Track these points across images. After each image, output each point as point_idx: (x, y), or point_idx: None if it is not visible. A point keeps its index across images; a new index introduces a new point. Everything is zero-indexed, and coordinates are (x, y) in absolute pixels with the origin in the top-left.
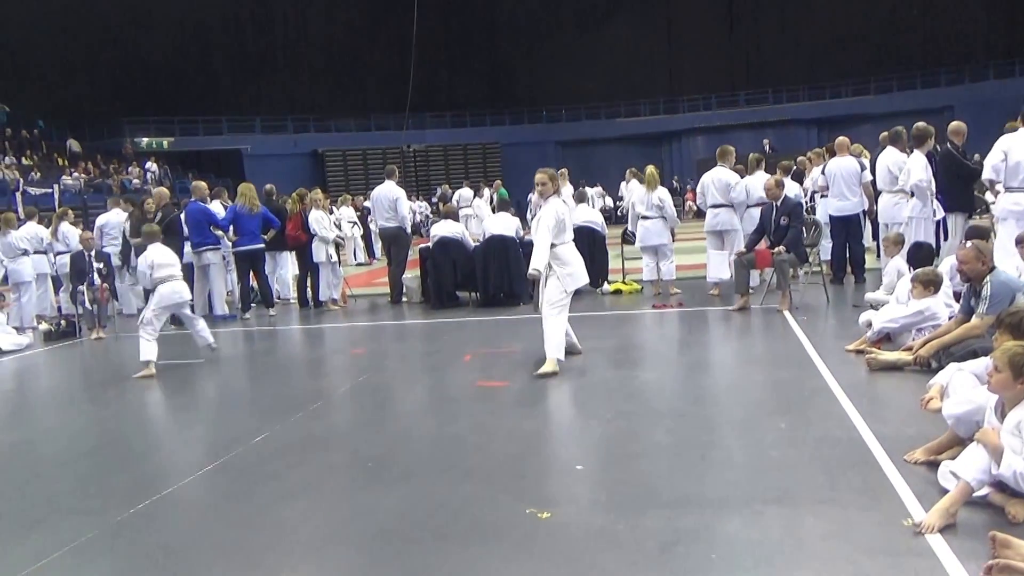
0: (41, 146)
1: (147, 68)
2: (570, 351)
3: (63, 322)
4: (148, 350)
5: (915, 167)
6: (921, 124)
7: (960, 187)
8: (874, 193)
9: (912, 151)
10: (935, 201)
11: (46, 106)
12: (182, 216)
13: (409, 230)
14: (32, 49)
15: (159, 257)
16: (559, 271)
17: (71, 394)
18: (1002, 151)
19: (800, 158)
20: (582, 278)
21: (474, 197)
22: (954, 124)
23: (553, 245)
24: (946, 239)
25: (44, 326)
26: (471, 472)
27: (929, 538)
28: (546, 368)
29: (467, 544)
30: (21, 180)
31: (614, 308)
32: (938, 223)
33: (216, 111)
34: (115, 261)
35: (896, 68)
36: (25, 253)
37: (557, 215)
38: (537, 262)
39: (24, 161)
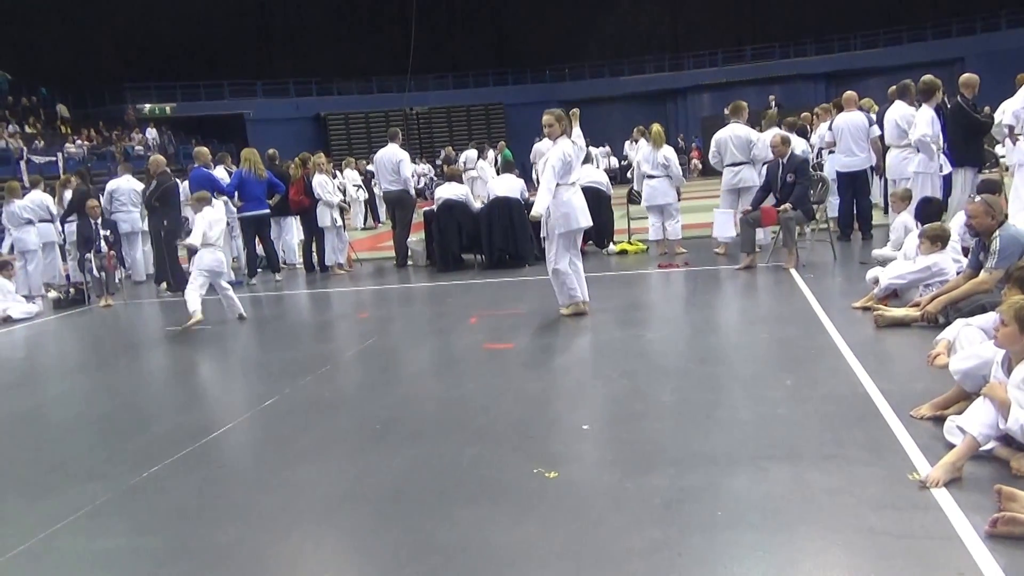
0: (40, 113)
1: (148, 34)
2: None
3: (72, 290)
4: (192, 301)
5: (921, 121)
6: (928, 77)
7: (969, 141)
8: (882, 148)
9: (920, 105)
10: (942, 156)
11: (48, 73)
12: (181, 184)
13: (413, 193)
14: (32, 15)
15: (210, 225)
16: (553, 212)
17: (81, 361)
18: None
19: (804, 114)
20: (576, 221)
21: (478, 159)
22: (964, 76)
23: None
24: (950, 194)
25: (53, 294)
26: (479, 433)
27: (934, 492)
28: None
29: (475, 503)
30: (25, 148)
31: (620, 268)
32: (945, 178)
33: (218, 76)
34: (123, 228)
35: (906, 19)
36: (30, 222)
37: (564, 156)
38: (539, 205)
39: (27, 129)
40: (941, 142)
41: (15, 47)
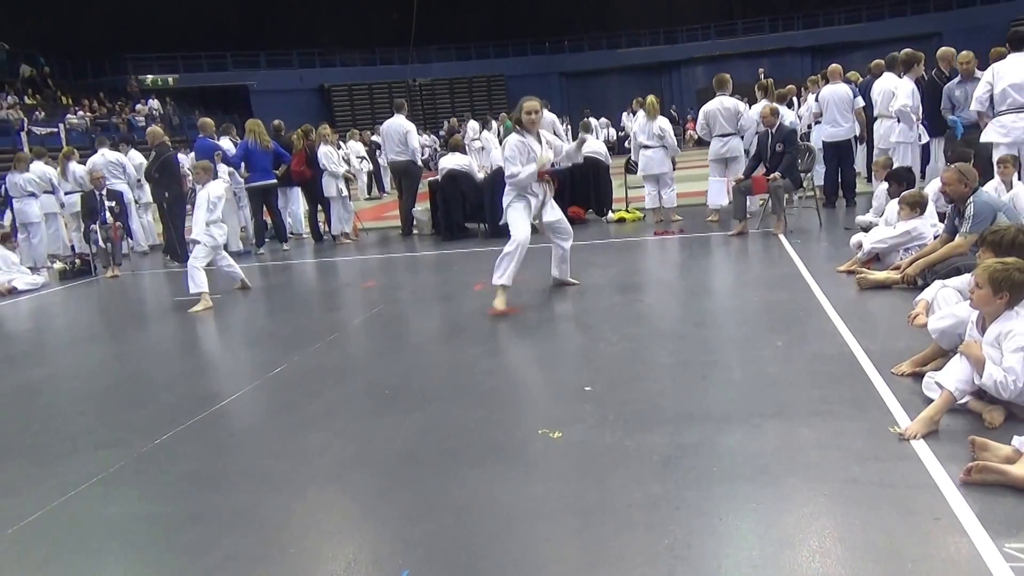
0: (42, 83)
1: (149, 4)
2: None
3: (78, 261)
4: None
5: (901, 93)
6: (909, 50)
7: (933, 111)
8: (867, 119)
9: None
10: (920, 126)
11: (46, 43)
12: (188, 155)
13: (419, 163)
14: None
15: (213, 206)
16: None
17: (90, 331)
18: (987, 83)
19: (789, 87)
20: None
21: (481, 130)
22: (941, 50)
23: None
24: (928, 163)
25: (59, 265)
26: (485, 396)
27: (914, 444)
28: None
29: (483, 464)
30: (25, 120)
31: (618, 235)
32: (924, 147)
33: (221, 47)
34: (128, 197)
35: None
36: (32, 195)
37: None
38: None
39: (28, 100)
40: (920, 113)
41: (12, 17)
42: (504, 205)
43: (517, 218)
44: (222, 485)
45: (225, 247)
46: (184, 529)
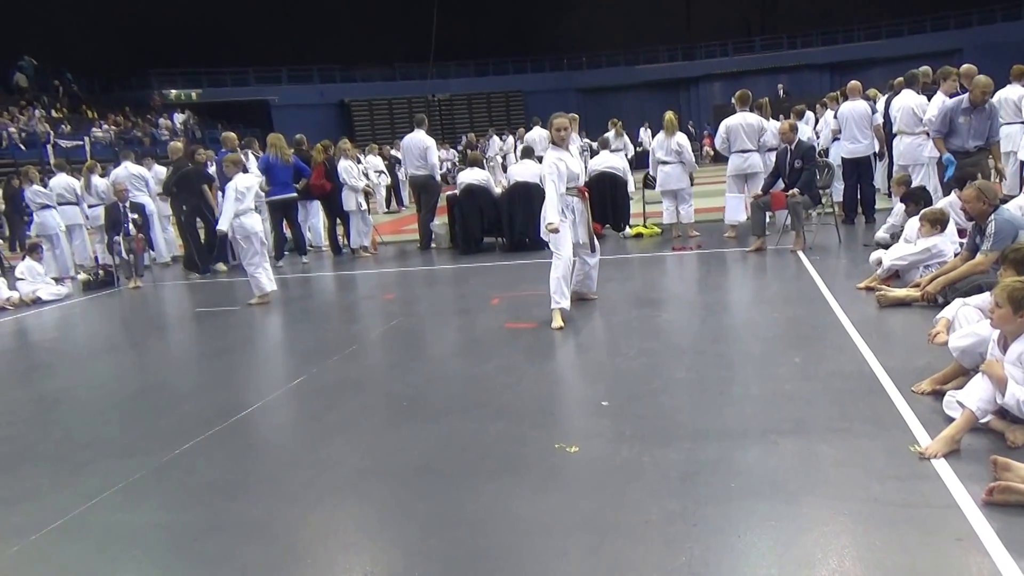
0: (72, 97)
1: (173, 19)
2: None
3: (101, 271)
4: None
5: (932, 107)
6: (946, 67)
7: None
8: (886, 136)
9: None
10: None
11: (73, 58)
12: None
13: (438, 178)
14: (58, 0)
15: (242, 195)
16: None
17: (112, 341)
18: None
19: (797, 107)
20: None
21: (502, 142)
22: (964, 67)
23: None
24: None
25: (83, 276)
26: (501, 410)
27: (934, 462)
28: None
29: (499, 477)
30: (51, 133)
31: (635, 251)
32: None
33: (243, 62)
34: (150, 209)
35: (907, 12)
36: (46, 207)
37: (557, 165)
38: (552, 215)
39: (54, 113)
40: None
41: (41, 33)
42: (544, 222)
43: (560, 238)
44: (241, 495)
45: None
46: (203, 538)
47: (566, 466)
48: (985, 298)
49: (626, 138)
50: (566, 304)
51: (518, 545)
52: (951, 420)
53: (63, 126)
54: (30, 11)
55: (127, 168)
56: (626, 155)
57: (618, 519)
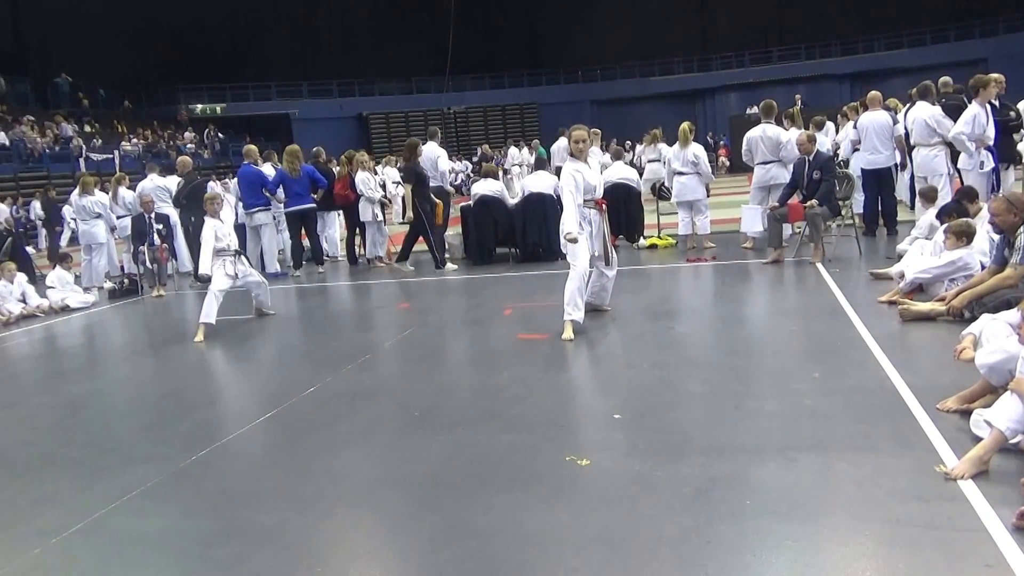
0: (106, 112)
1: (200, 37)
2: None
3: (126, 280)
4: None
5: (961, 119)
6: (980, 75)
7: (998, 138)
8: (906, 146)
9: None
10: (983, 152)
11: (106, 75)
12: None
13: (448, 187)
14: (90, 19)
15: (216, 239)
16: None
17: (135, 348)
18: None
19: (816, 117)
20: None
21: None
22: (994, 77)
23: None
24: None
25: (109, 284)
26: (513, 421)
27: (961, 484)
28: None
29: (510, 489)
30: (84, 147)
31: (650, 262)
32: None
33: (266, 78)
34: (174, 220)
35: (929, 21)
36: (99, 216)
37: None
38: (571, 224)
39: (87, 128)
40: (988, 139)
41: (77, 52)
42: (562, 234)
43: (577, 248)
44: (254, 502)
45: (263, 268)
46: (217, 545)
47: (577, 479)
48: (1014, 314)
49: (662, 146)
50: (579, 316)
51: (528, 559)
52: (978, 440)
53: (95, 140)
54: (66, 33)
55: (152, 180)
56: (662, 164)
57: (630, 534)
